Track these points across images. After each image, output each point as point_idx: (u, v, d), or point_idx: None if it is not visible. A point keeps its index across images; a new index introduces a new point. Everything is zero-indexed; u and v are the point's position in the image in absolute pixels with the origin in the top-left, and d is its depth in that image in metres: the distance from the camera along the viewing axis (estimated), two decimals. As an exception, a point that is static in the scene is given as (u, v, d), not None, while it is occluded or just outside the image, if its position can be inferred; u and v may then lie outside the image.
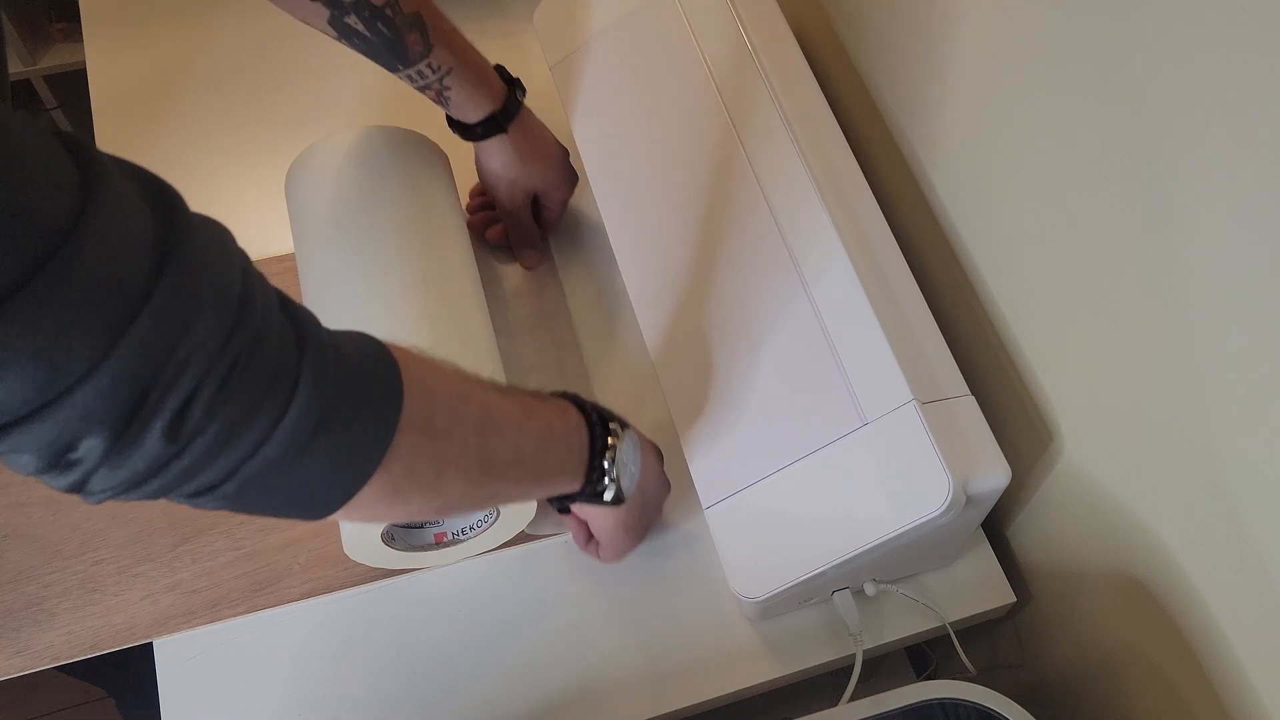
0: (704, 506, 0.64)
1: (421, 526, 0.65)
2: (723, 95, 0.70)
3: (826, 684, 0.69)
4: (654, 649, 0.66)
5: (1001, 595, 0.70)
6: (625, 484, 0.58)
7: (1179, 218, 0.50)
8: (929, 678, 0.82)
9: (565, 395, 0.59)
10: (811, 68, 0.74)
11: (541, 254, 0.81)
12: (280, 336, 0.38)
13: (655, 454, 0.65)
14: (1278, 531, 0.49)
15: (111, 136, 0.87)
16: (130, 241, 0.32)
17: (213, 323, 0.34)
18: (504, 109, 0.73)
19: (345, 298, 0.64)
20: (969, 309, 0.70)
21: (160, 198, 0.35)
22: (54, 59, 1.49)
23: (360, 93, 0.89)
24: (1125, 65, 0.51)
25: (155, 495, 0.36)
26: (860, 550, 0.58)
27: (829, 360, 0.61)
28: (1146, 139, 0.50)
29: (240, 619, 0.66)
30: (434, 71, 0.70)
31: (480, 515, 0.65)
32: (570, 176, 0.80)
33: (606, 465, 0.57)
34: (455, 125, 0.75)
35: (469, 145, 0.83)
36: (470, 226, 0.80)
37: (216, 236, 0.38)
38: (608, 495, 0.58)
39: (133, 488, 0.35)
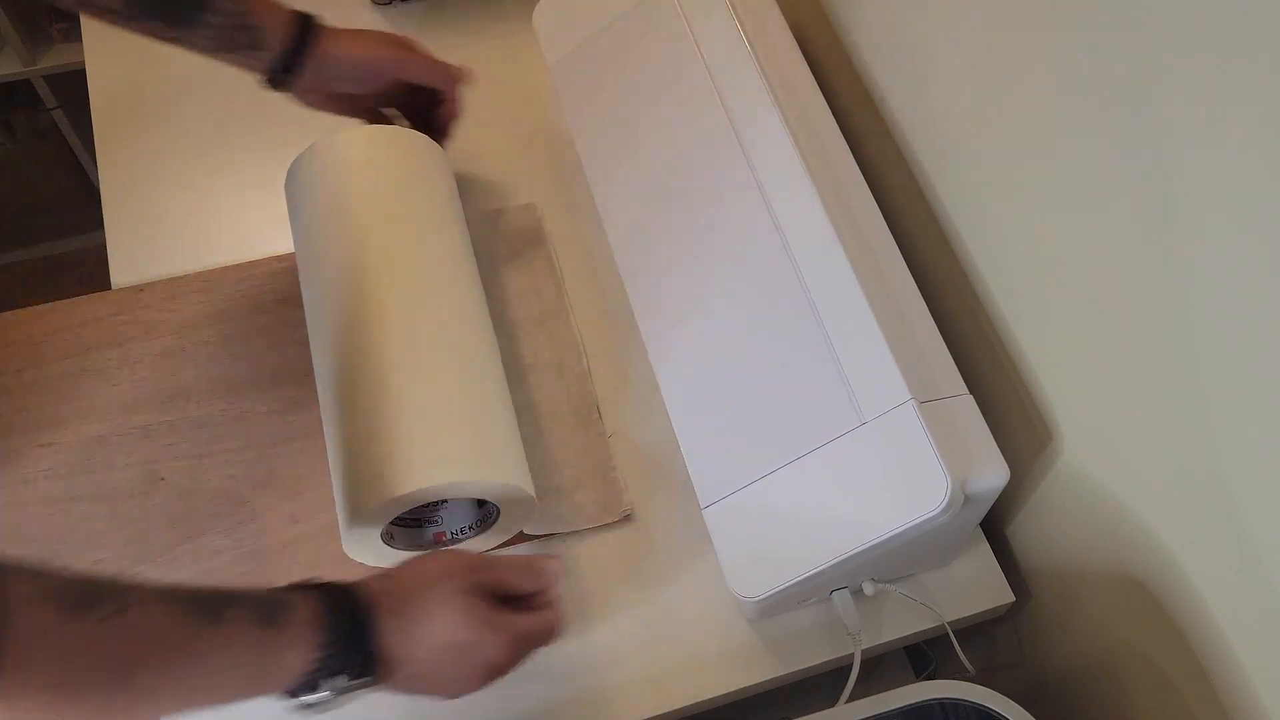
0: (702, 506, 0.64)
1: (421, 525, 0.65)
2: (721, 95, 0.70)
3: (825, 684, 0.69)
4: (652, 649, 0.66)
5: (1001, 595, 0.69)
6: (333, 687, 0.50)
7: (1179, 217, 0.50)
8: (928, 678, 0.82)
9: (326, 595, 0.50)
10: (810, 67, 0.74)
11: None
12: None
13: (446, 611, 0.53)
14: (1277, 531, 0.49)
15: (111, 136, 0.87)
16: None
17: None
18: (302, 13, 0.68)
19: (345, 299, 0.64)
20: (968, 308, 0.70)
21: None
22: (54, 59, 1.49)
23: (359, 92, 0.89)
24: (1126, 65, 0.51)
25: None
26: (858, 550, 0.58)
27: (827, 359, 0.61)
28: (1147, 138, 0.50)
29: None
30: (234, 1, 0.64)
31: (480, 514, 0.65)
32: (420, 50, 0.73)
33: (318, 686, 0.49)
34: (274, 69, 0.67)
35: (467, 146, 0.83)
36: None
37: None
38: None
39: None
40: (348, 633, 0.50)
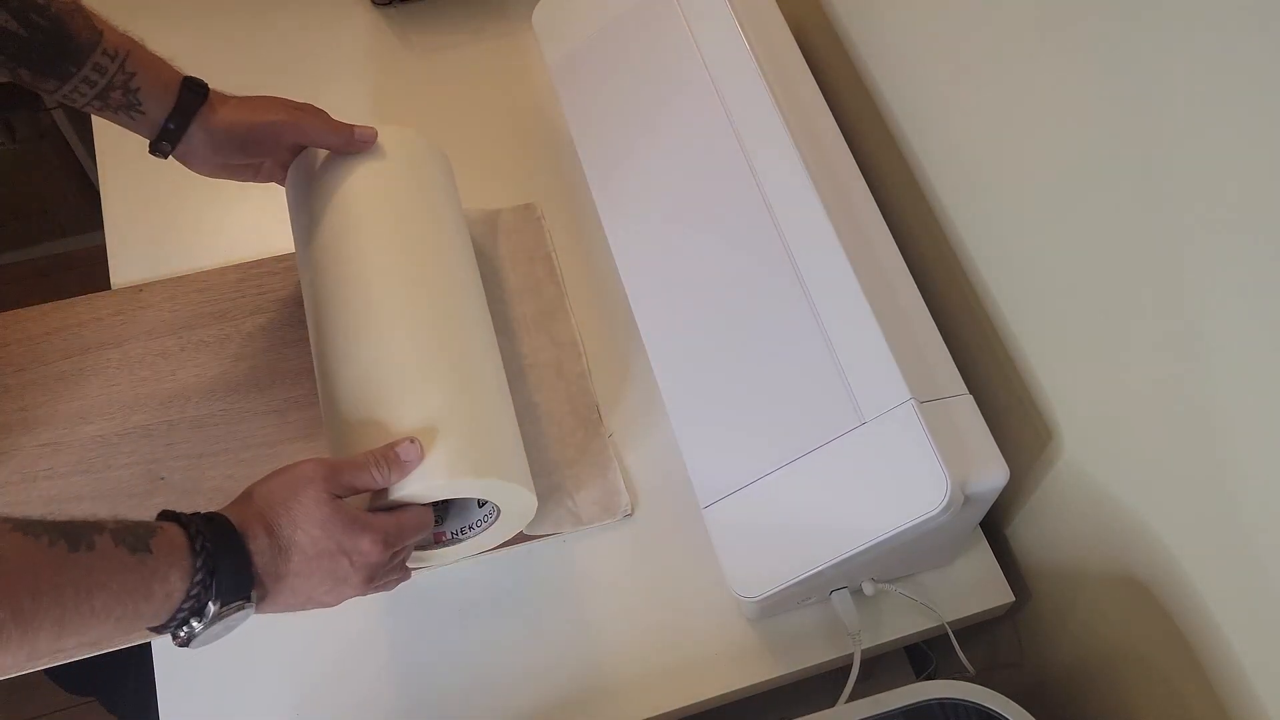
0: (702, 506, 0.64)
1: None
2: (721, 95, 0.70)
3: (825, 684, 0.69)
4: (652, 649, 0.66)
5: (1000, 595, 0.69)
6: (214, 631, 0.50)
7: (1179, 216, 0.50)
8: (929, 678, 0.82)
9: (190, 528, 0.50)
10: (811, 67, 0.74)
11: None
12: None
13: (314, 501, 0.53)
14: (1277, 531, 0.49)
15: (111, 136, 0.86)
16: None
17: None
18: (191, 78, 0.65)
19: (344, 299, 0.64)
20: (968, 308, 0.70)
21: None
22: (54, 59, 1.49)
23: (358, 93, 0.89)
24: (1127, 64, 0.51)
25: None
26: (858, 550, 0.57)
27: (827, 359, 0.61)
28: (1148, 138, 0.50)
29: (259, 620, 0.66)
30: (112, 60, 0.61)
31: (480, 514, 0.65)
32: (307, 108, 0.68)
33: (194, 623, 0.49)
34: (155, 135, 0.64)
35: (467, 146, 0.83)
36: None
37: None
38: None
39: None
40: (220, 554, 0.49)
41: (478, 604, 0.68)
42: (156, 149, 0.65)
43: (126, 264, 0.80)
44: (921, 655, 0.84)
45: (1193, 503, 0.54)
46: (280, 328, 0.76)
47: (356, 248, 0.66)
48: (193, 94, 0.65)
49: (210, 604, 0.49)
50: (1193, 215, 0.49)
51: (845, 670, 0.64)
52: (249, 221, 0.82)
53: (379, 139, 0.70)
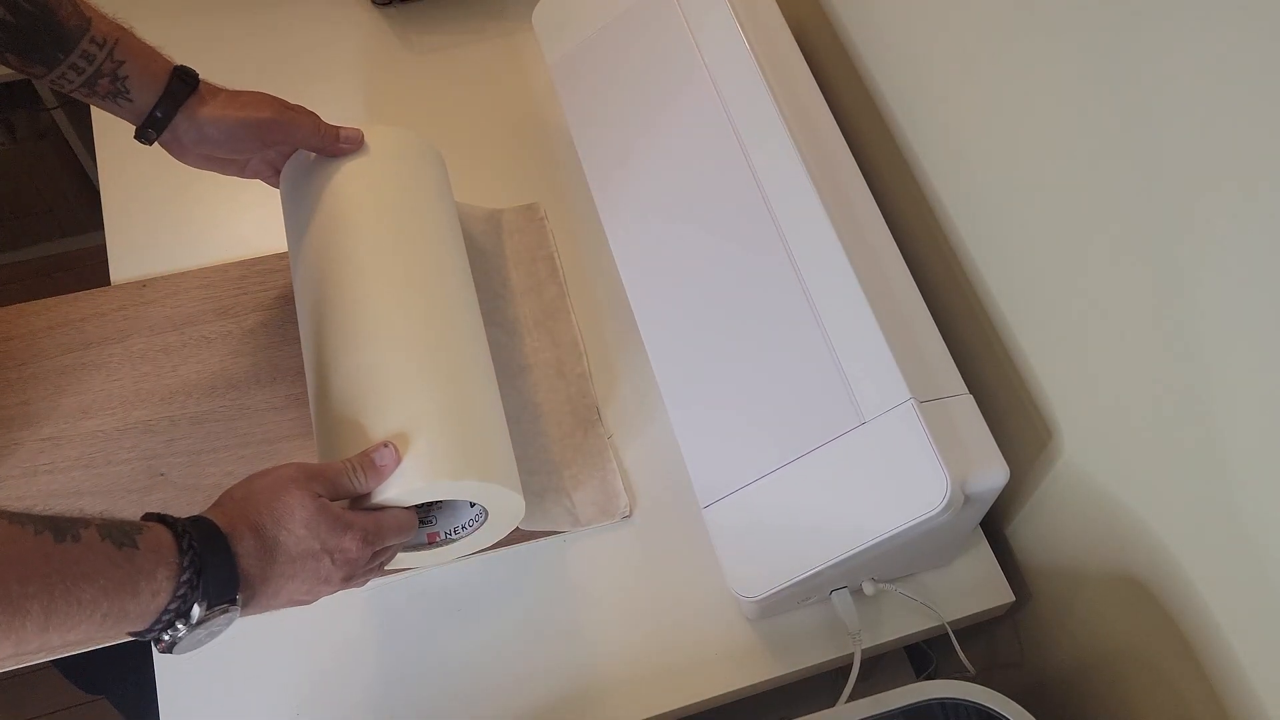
0: (702, 506, 0.64)
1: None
2: (721, 95, 0.70)
3: (825, 684, 0.69)
4: (652, 648, 0.66)
5: (1000, 595, 0.69)
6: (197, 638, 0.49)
7: (1179, 217, 0.50)
8: (929, 677, 0.82)
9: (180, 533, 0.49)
10: (811, 67, 0.74)
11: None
12: None
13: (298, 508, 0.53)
14: (1277, 531, 0.49)
15: (111, 136, 0.87)
16: None
17: None
18: (181, 67, 0.65)
19: (332, 298, 0.64)
20: (968, 308, 0.70)
21: None
22: (55, 59, 1.49)
23: (357, 92, 0.90)
24: (1127, 64, 0.51)
25: None
26: (858, 549, 0.57)
27: (827, 359, 0.61)
28: (1149, 139, 0.50)
29: (258, 620, 0.66)
30: (100, 47, 0.60)
31: (471, 514, 0.65)
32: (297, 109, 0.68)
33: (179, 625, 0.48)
34: (141, 123, 0.64)
35: (467, 146, 0.83)
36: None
37: None
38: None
39: None
40: (208, 556, 0.49)
41: (477, 604, 0.68)
42: (142, 135, 0.65)
43: (126, 263, 0.80)
44: (921, 655, 0.84)
45: (1193, 503, 0.54)
46: (282, 324, 0.76)
47: (343, 247, 0.65)
48: (182, 83, 0.64)
49: (196, 606, 0.48)
50: (1194, 216, 0.49)
51: (845, 670, 0.64)
52: (250, 218, 0.82)
53: (372, 138, 0.70)
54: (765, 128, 0.68)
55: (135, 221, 0.82)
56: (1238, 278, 0.47)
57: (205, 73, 0.88)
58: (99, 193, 0.85)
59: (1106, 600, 0.64)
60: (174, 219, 0.82)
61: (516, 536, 0.68)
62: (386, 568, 0.66)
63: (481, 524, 0.65)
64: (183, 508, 0.68)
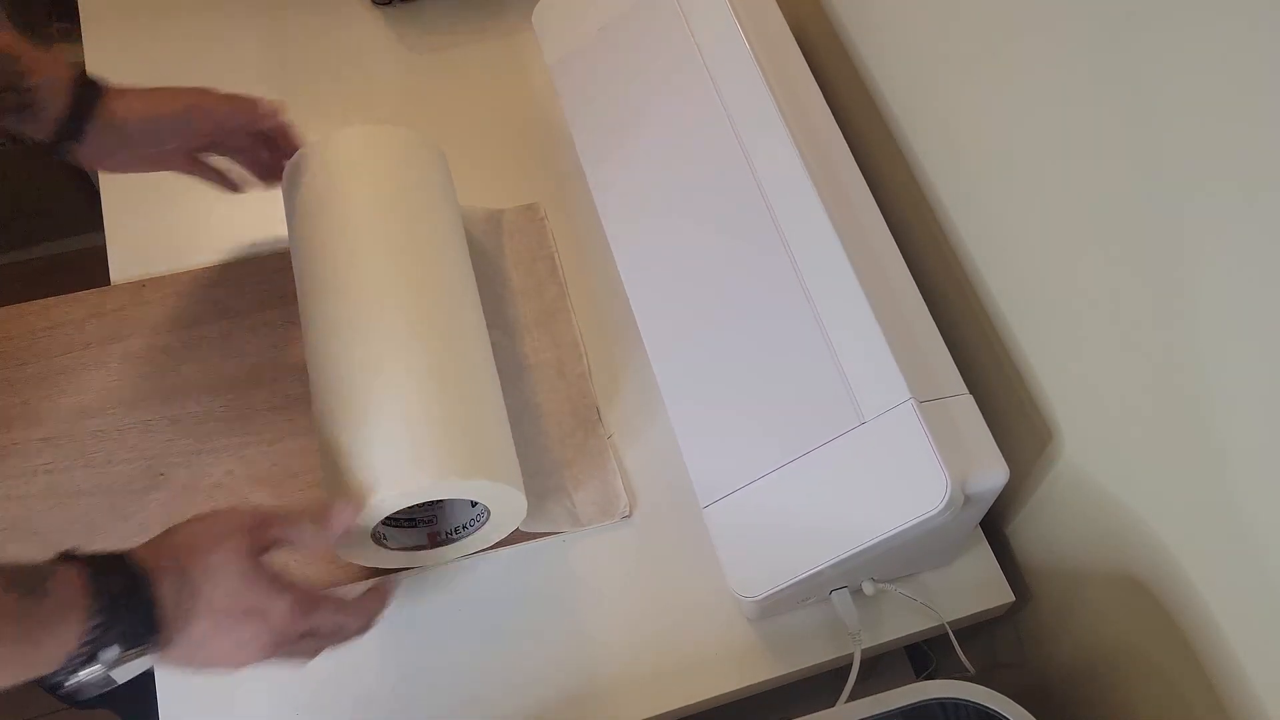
0: (702, 506, 0.64)
1: (414, 525, 0.65)
2: (721, 95, 0.70)
3: (825, 684, 0.69)
4: (652, 648, 0.66)
5: (1000, 595, 0.69)
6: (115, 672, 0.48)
7: (1179, 216, 0.50)
8: (929, 677, 0.82)
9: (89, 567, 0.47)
10: (811, 67, 0.74)
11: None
12: None
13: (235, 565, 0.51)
14: (1278, 531, 0.49)
15: (111, 136, 0.86)
16: None
17: None
18: (85, 73, 0.63)
19: (335, 297, 0.64)
20: (968, 308, 0.70)
21: None
22: (54, 59, 1.49)
23: (358, 92, 0.89)
24: (1128, 65, 0.51)
25: None
26: (858, 549, 0.58)
27: (827, 359, 0.61)
28: (1148, 137, 0.50)
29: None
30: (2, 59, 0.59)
31: (473, 514, 0.65)
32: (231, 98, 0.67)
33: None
34: (55, 135, 0.62)
35: (467, 146, 0.83)
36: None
37: None
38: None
39: None
40: (122, 598, 0.47)
41: (477, 604, 0.68)
42: (58, 149, 0.63)
43: (126, 263, 0.80)
44: (921, 655, 0.84)
45: (1193, 503, 0.54)
46: (283, 324, 0.76)
47: (348, 247, 0.66)
48: (90, 88, 0.62)
49: (106, 651, 0.47)
50: (1194, 216, 0.49)
51: (845, 670, 0.64)
52: (250, 219, 0.82)
53: (376, 138, 0.70)
54: (765, 128, 0.68)
55: (135, 222, 0.82)
56: (1238, 278, 0.47)
57: (204, 73, 0.88)
58: (99, 193, 0.85)
59: (1106, 600, 0.64)
60: (174, 218, 0.82)
61: (516, 537, 0.68)
62: (390, 568, 0.66)
63: (483, 524, 0.65)
64: (183, 507, 0.69)
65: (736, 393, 0.65)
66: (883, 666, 0.83)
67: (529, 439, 0.72)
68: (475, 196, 0.84)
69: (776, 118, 0.68)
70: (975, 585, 0.69)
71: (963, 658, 0.67)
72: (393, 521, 0.64)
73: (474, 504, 0.65)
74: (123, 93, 0.64)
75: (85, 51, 0.92)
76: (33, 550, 0.67)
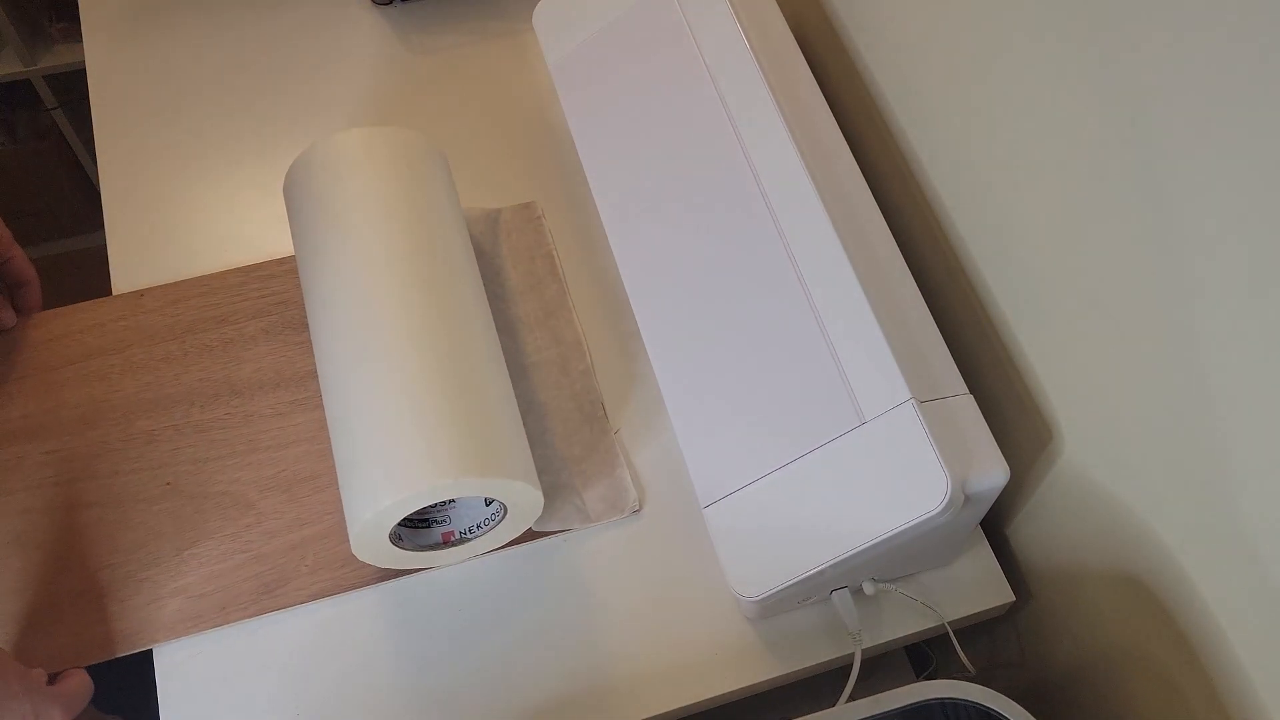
0: (701, 506, 0.64)
1: (429, 525, 0.66)
2: (721, 95, 0.70)
3: (825, 684, 0.69)
4: (651, 648, 0.67)
5: (1000, 594, 0.70)
6: None
7: (1179, 216, 0.50)
8: (929, 677, 0.82)
9: None
10: (811, 67, 0.74)
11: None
12: None
13: None
14: (1278, 531, 0.49)
15: (111, 136, 0.87)
16: None
17: None
18: None
19: (346, 299, 0.64)
20: (968, 308, 0.70)
21: None
22: (54, 59, 1.49)
23: (358, 93, 0.90)
24: (1129, 65, 0.51)
25: None
26: (858, 549, 0.58)
27: (827, 359, 0.61)
28: (1148, 137, 0.50)
29: (248, 622, 0.66)
30: None
31: (487, 513, 0.65)
32: None
33: None
34: None
35: (467, 146, 0.83)
36: None
37: None
38: None
39: None
40: None
41: (477, 604, 0.68)
42: None
43: (127, 266, 0.80)
44: (921, 655, 0.84)
45: (1193, 502, 0.54)
46: (283, 330, 0.76)
47: (356, 249, 0.66)
48: None
49: None
50: (1195, 215, 0.49)
51: (845, 670, 0.64)
52: (250, 223, 0.82)
53: (379, 139, 0.71)
54: (765, 128, 0.68)
55: (136, 224, 0.82)
56: (1239, 277, 0.47)
57: (204, 74, 0.88)
58: (99, 193, 0.85)
59: (1107, 600, 0.64)
60: (176, 221, 0.82)
61: (524, 535, 0.68)
62: (405, 569, 0.67)
63: (498, 522, 0.65)
64: (191, 515, 0.69)
65: (736, 393, 0.65)
66: (883, 666, 0.83)
67: (535, 437, 0.72)
68: (475, 196, 0.84)
69: (776, 118, 0.68)
70: (975, 585, 0.70)
71: (963, 658, 0.67)
72: (408, 523, 0.65)
73: (488, 503, 0.65)
74: None
75: (85, 51, 0.92)
76: (38, 564, 0.67)
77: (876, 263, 0.65)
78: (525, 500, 0.63)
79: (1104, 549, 0.63)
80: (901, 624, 0.68)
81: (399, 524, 0.62)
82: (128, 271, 0.80)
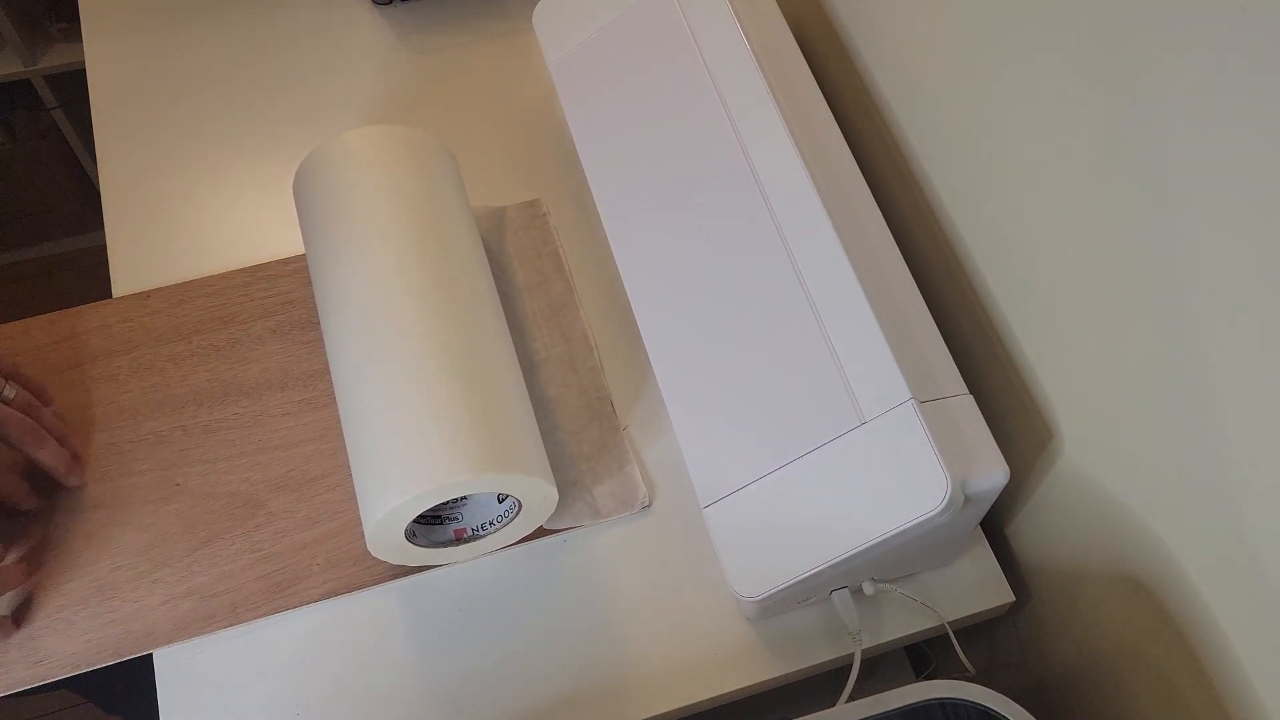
0: (701, 506, 0.64)
1: (442, 522, 0.66)
2: (721, 95, 0.71)
3: (825, 684, 0.69)
4: (651, 648, 0.67)
5: (1000, 595, 0.70)
6: None
7: (1179, 216, 0.50)
8: (929, 678, 0.82)
9: None
10: (811, 67, 0.74)
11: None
12: None
13: None
14: (1278, 531, 0.49)
15: (111, 136, 0.87)
16: None
17: None
18: None
19: (358, 298, 0.65)
20: (968, 307, 0.70)
21: None
22: (54, 59, 1.49)
23: (358, 93, 0.90)
24: (1129, 64, 0.51)
25: None
26: (858, 549, 0.58)
27: (827, 359, 0.61)
28: (1149, 137, 0.50)
29: (260, 621, 0.66)
30: None
31: (500, 510, 0.66)
32: None
33: None
34: None
35: (468, 145, 0.83)
36: None
37: None
38: None
39: None
40: None
41: (476, 605, 0.68)
42: None
43: (127, 266, 0.80)
44: (921, 655, 0.84)
45: (1193, 502, 0.54)
46: (290, 329, 0.76)
47: (370, 248, 0.66)
48: None
49: None
50: (1195, 215, 0.49)
51: (845, 670, 0.64)
52: (253, 223, 0.82)
53: (386, 138, 0.71)
54: (765, 128, 0.68)
55: (137, 225, 0.82)
56: (1239, 277, 0.47)
57: (203, 74, 0.88)
58: (99, 193, 0.85)
59: (1107, 600, 0.64)
60: (177, 222, 0.82)
61: (538, 532, 0.69)
62: (418, 565, 0.67)
63: (511, 519, 0.65)
64: (201, 515, 0.70)
65: (736, 393, 0.65)
66: (883, 666, 0.83)
67: (544, 434, 0.72)
68: (476, 196, 0.84)
69: (776, 118, 0.68)
70: (975, 585, 0.70)
71: (963, 658, 0.67)
72: (422, 519, 0.65)
73: (501, 500, 0.65)
74: None
75: (85, 51, 0.92)
76: (49, 566, 0.67)
77: (876, 262, 0.65)
78: (540, 497, 0.63)
79: (1104, 549, 0.63)
80: (901, 624, 0.68)
81: (414, 520, 0.62)
82: (128, 272, 0.80)
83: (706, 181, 0.70)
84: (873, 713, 0.58)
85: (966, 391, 0.61)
